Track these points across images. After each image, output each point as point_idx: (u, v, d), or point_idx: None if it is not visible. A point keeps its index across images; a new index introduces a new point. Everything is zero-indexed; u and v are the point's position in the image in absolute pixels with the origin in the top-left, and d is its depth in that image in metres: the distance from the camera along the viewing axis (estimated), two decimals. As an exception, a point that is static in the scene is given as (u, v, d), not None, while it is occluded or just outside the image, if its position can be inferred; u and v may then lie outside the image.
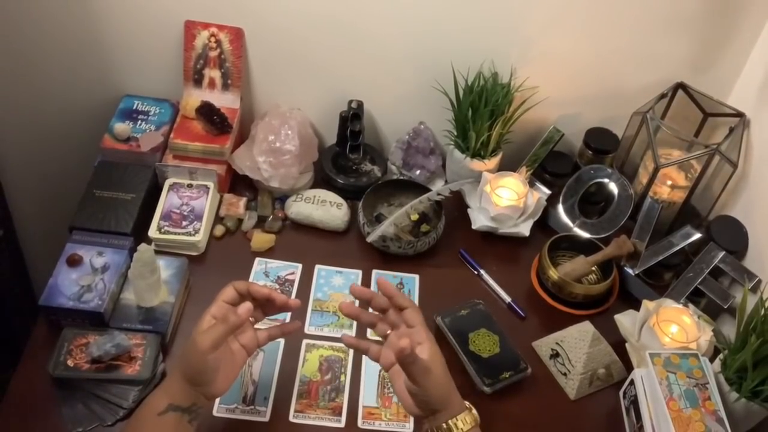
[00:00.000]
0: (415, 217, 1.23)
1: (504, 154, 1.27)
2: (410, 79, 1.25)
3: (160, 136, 1.21)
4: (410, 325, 0.87)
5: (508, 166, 1.27)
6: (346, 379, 1.01)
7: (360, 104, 1.25)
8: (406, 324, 0.88)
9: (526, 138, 1.31)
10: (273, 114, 1.22)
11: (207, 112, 1.19)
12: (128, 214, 1.10)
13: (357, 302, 0.94)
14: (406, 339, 0.78)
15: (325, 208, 1.20)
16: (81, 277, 1.00)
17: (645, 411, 0.94)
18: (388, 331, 0.91)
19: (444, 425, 0.82)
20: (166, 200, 1.15)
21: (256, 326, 0.90)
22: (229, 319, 0.81)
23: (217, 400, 0.96)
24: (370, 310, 0.93)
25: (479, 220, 1.22)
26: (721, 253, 1.14)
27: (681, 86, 1.23)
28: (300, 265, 1.15)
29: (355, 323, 1.08)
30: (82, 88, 1.28)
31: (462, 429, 0.82)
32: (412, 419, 0.98)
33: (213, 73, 1.23)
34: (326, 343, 1.05)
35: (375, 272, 1.16)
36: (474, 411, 0.87)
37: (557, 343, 1.06)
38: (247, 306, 0.83)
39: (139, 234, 1.10)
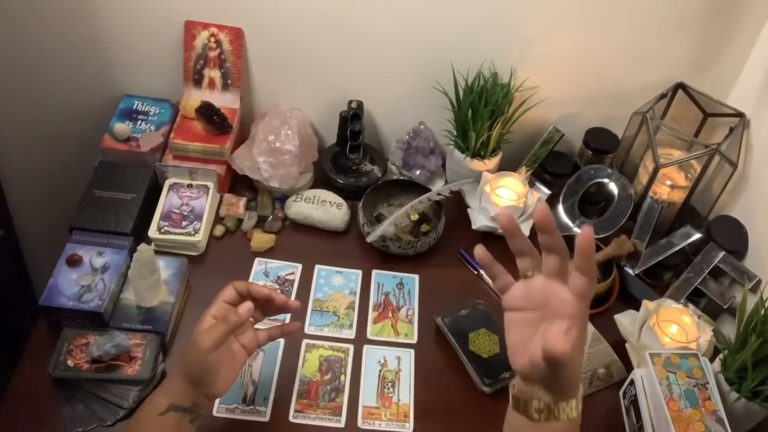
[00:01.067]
0: (415, 217, 1.23)
1: (504, 154, 1.27)
2: (410, 79, 1.25)
3: (160, 136, 1.21)
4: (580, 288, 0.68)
5: (508, 166, 1.27)
6: (346, 379, 1.01)
7: (360, 104, 1.25)
8: (575, 285, 0.69)
9: (526, 138, 1.31)
10: (273, 114, 1.22)
11: (207, 112, 1.19)
12: (128, 214, 1.10)
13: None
14: (562, 342, 0.63)
15: (325, 208, 1.20)
16: (81, 277, 1.00)
17: (645, 411, 0.94)
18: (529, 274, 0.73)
19: (555, 408, 0.69)
20: (166, 200, 1.15)
21: (255, 326, 0.90)
22: (230, 319, 0.81)
23: (217, 400, 0.95)
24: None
25: (479, 220, 1.22)
26: (721, 253, 1.14)
27: (681, 86, 1.23)
28: (300, 265, 1.15)
29: (355, 323, 1.08)
30: (83, 88, 1.28)
31: (573, 416, 0.69)
32: (412, 419, 0.98)
33: (213, 73, 1.23)
34: (326, 343, 1.05)
35: (375, 272, 1.16)
36: (583, 389, 0.72)
37: (557, 343, 1.06)
38: (247, 305, 0.83)
39: (139, 234, 1.10)
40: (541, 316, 0.70)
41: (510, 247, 0.72)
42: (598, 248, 1.18)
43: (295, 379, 1.00)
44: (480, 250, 0.74)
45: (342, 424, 0.96)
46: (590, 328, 1.06)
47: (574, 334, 0.66)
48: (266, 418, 0.95)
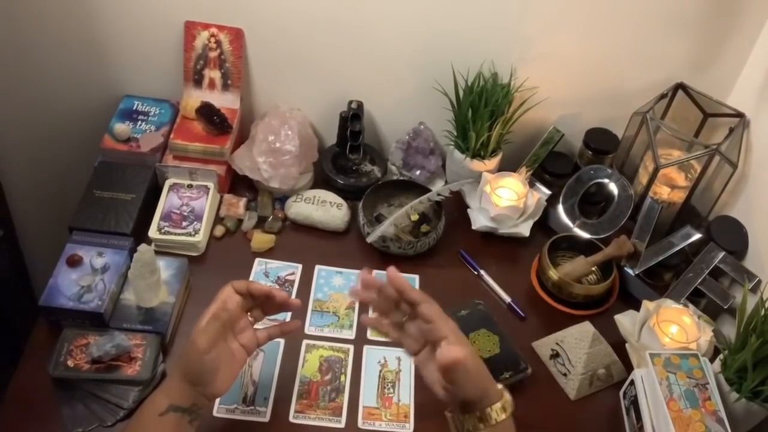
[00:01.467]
0: (415, 217, 1.23)
1: (504, 154, 1.27)
2: (410, 79, 1.25)
3: (160, 137, 1.21)
4: (428, 321, 0.82)
5: (508, 166, 1.27)
6: (346, 380, 1.01)
7: (360, 104, 1.25)
8: (423, 320, 0.83)
9: (526, 138, 1.31)
10: (273, 114, 1.22)
11: (207, 112, 1.19)
12: (128, 214, 1.10)
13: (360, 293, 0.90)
14: (454, 349, 0.77)
15: (325, 208, 1.20)
16: (81, 277, 1.00)
17: (645, 411, 0.94)
18: (404, 319, 0.87)
19: (478, 414, 0.79)
20: (166, 201, 1.15)
21: (255, 326, 0.90)
22: (220, 316, 0.82)
23: (217, 401, 0.96)
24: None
25: (479, 221, 1.22)
26: (721, 254, 1.14)
27: (681, 86, 1.23)
28: (300, 266, 1.15)
29: (355, 323, 1.08)
30: (83, 89, 1.28)
31: (496, 420, 0.79)
32: (412, 419, 0.98)
33: (213, 74, 1.23)
34: (326, 344, 1.05)
35: (375, 272, 1.16)
36: (508, 397, 0.82)
37: (557, 344, 1.06)
38: (235, 298, 0.85)
39: (139, 234, 1.10)
40: (430, 349, 0.84)
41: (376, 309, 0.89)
42: (599, 249, 1.18)
43: (296, 380, 1.00)
44: (361, 284, 0.89)
45: (342, 425, 0.96)
46: (591, 328, 1.06)
47: (453, 343, 0.80)
48: (266, 419, 0.95)
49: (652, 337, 1.02)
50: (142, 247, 0.96)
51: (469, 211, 1.25)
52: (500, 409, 0.79)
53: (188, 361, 0.81)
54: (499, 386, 0.82)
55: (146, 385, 0.94)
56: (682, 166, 1.24)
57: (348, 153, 1.28)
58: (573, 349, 1.04)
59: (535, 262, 1.20)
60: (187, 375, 0.81)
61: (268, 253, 1.16)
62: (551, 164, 1.28)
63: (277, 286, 1.11)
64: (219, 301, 0.85)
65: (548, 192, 1.27)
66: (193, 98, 1.23)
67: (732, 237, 1.16)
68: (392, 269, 0.86)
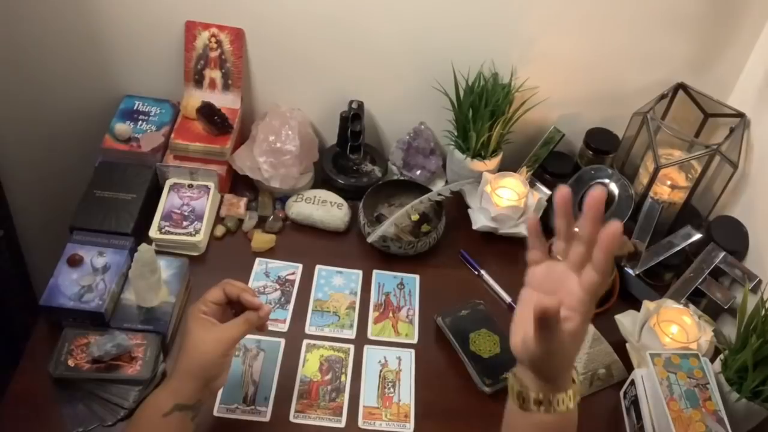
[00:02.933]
0: (415, 217, 1.23)
1: (504, 154, 1.27)
2: (410, 79, 1.25)
3: (160, 137, 1.21)
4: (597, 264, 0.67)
5: (508, 166, 1.27)
6: (347, 379, 1.01)
7: (360, 104, 1.25)
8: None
9: (527, 138, 1.31)
10: (273, 114, 1.22)
11: (207, 112, 1.19)
12: (129, 214, 1.10)
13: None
14: (549, 300, 0.63)
15: (326, 208, 1.20)
16: (82, 277, 1.00)
17: (645, 411, 0.94)
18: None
19: (546, 398, 0.69)
20: (167, 200, 1.15)
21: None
22: (251, 320, 0.86)
23: (218, 401, 0.96)
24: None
25: (480, 221, 1.22)
26: (722, 254, 1.14)
27: (681, 86, 1.23)
28: (300, 266, 1.15)
29: (356, 323, 1.08)
30: (83, 89, 1.28)
31: (563, 409, 0.69)
32: (412, 419, 0.98)
33: (213, 74, 1.23)
34: (327, 343, 1.05)
35: (376, 272, 1.16)
36: (578, 383, 0.72)
37: (558, 344, 1.06)
38: (267, 308, 0.87)
39: (140, 234, 1.10)
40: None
41: (555, 224, 0.70)
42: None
43: (296, 379, 1.00)
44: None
45: (342, 424, 0.96)
46: (591, 328, 1.06)
47: (572, 325, 0.66)
48: (267, 418, 0.95)
49: (653, 337, 1.02)
50: (143, 247, 0.96)
51: (469, 211, 1.25)
52: (570, 397, 0.70)
53: (208, 361, 0.82)
54: (573, 374, 0.73)
55: (147, 385, 0.94)
56: (682, 166, 1.24)
57: (348, 153, 1.28)
58: (573, 349, 1.04)
59: (535, 262, 1.20)
60: (204, 370, 0.82)
61: (269, 253, 1.16)
62: (552, 164, 1.28)
63: (278, 286, 1.11)
64: (220, 288, 0.87)
65: (549, 192, 1.27)
66: (194, 98, 1.23)
67: (732, 237, 1.16)
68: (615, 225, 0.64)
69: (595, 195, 0.65)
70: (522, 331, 0.69)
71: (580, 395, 0.72)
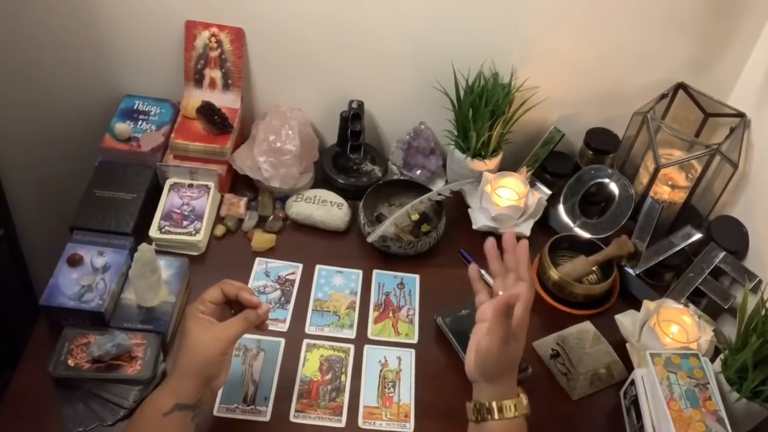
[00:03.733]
0: (415, 217, 1.23)
1: (504, 154, 1.27)
2: (411, 79, 1.25)
3: (160, 136, 1.21)
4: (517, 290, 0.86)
5: (508, 166, 1.27)
6: (347, 379, 1.01)
7: (360, 104, 1.25)
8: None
9: (527, 138, 1.31)
10: (273, 114, 1.22)
11: (208, 112, 1.19)
12: (129, 214, 1.10)
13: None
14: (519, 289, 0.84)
15: (326, 208, 1.20)
16: (82, 276, 1.00)
17: (645, 411, 0.94)
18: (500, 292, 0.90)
19: (487, 404, 0.83)
20: (167, 200, 1.15)
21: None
22: (250, 319, 0.86)
23: (218, 400, 0.96)
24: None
25: (480, 220, 1.22)
26: (722, 253, 1.14)
27: (681, 86, 1.23)
28: (300, 265, 1.15)
29: (356, 323, 1.08)
30: (83, 88, 1.28)
31: (505, 416, 0.82)
32: (412, 419, 0.98)
33: (214, 73, 1.23)
34: (327, 343, 1.05)
35: (376, 272, 1.16)
36: (524, 401, 0.85)
37: (558, 343, 1.06)
38: (266, 307, 0.88)
39: (140, 234, 1.10)
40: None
41: (490, 269, 0.91)
42: (599, 248, 1.18)
43: (296, 379, 1.00)
44: (490, 245, 0.90)
45: (342, 424, 0.96)
46: (591, 328, 1.06)
47: (515, 315, 0.82)
48: (267, 418, 0.95)
49: (653, 336, 1.02)
50: (143, 247, 0.96)
51: (469, 210, 1.25)
52: (509, 407, 0.83)
53: (207, 360, 0.82)
54: (520, 392, 0.86)
55: (147, 385, 0.94)
56: (682, 166, 1.24)
57: (348, 152, 1.28)
58: (573, 349, 1.04)
59: (535, 262, 1.20)
60: (204, 368, 0.82)
61: (269, 253, 1.16)
62: (552, 164, 1.28)
63: (278, 286, 1.11)
64: (219, 287, 0.87)
65: (549, 192, 1.27)
66: (194, 98, 1.23)
67: (732, 237, 1.16)
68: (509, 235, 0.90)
69: (506, 237, 0.89)
70: (474, 350, 0.85)
71: (528, 411, 0.84)
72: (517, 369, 0.86)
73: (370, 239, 1.16)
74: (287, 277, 1.13)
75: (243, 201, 1.21)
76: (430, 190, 1.21)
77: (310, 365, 1.02)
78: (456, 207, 1.26)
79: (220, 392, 0.95)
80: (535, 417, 1.00)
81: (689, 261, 1.16)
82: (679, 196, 1.23)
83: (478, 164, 1.24)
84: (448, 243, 1.21)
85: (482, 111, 1.19)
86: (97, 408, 0.92)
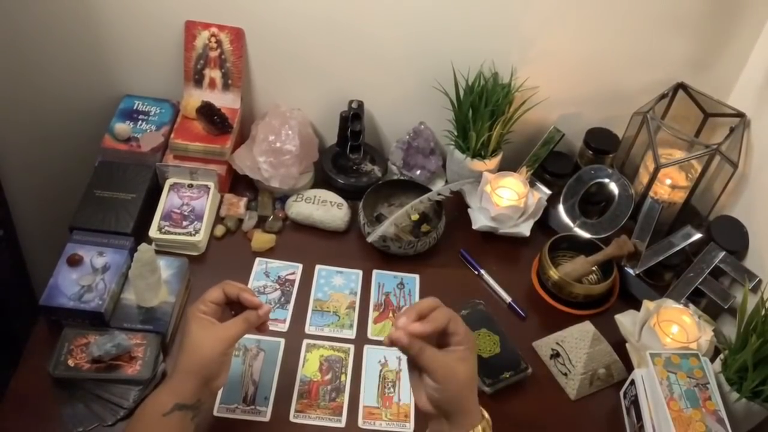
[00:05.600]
0: (415, 217, 1.23)
1: (504, 154, 1.27)
2: (410, 79, 1.25)
3: (160, 136, 1.21)
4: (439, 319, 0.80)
5: (508, 166, 1.27)
6: (347, 379, 1.01)
7: (360, 104, 1.25)
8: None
9: (527, 138, 1.31)
10: (273, 114, 1.22)
11: (207, 112, 1.19)
12: (129, 214, 1.10)
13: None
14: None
15: (326, 208, 1.20)
16: (81, 277, 1.00)
17: (645, 411, 0.94)
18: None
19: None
20: (167, 200, 1.15)
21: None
22: (251, 320, 0.86)
23: (218, 400, 0.96)
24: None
25: (480, 220, 1.22)
26: (722, 253, 1.14)
27: (681, 86, 1.23)
28: (300, 265, 1.15)
29: (356, 323, 1.08)
30: (83, 88, 1.28)
31: None
32: (412, 419, 0.98)
33: (213, 74, 1.23)
34: (326, 343, 1.05)
35: (376, 272, 1.16)
36: (487, 420, 0.81)
37: (558, 343, 1.06)
38: (267, 308, 0.87)
39: (140, 234, 1.10)
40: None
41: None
42: (599, 248, 1.18)
43: (296, 379, 1.00)
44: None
45: (342, 424, 0.96)
46: (591, 328, 1.06)
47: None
48: (267, 418, 0.95)
49: (653, 336, 1.02)
50: (143, 247, 0.96)
51: (469, 210, 1.25)
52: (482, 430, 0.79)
53: (207, 360, 0.82)
54: (483, 412, 0.81)
55: (147, 385, 0.94)
56: (682, 166, 1.24)
57: (348, 153, 1.28)
58: (573, 349, 1.04)
59: (535, 262, 1.20)
60: (204, 368, 0.82)
61: (269, 253, 1.16)
62: (552, 164, 1.28)
63: (278, 286, 1.11)
64: (219, 288, 0.87)
65: (548, 192, 1.27)
66: (194, 98, 1.23)
67: (732, 237, 1.16)
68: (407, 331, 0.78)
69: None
70: (418, 388, 0.80)
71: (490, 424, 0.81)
72: (475, 387, 0.81)
73: (369, 239, 1.16)
74: (287, 277, 1.13)
75: (243, 201, 1.21)
76: (429, 190, 1.21)
77: (310, 365, 1.02)
78: (456, 207, 1.26)
79: (220, 392, 0.95)
80: (535, 417, 1.00)
81: (689, 261, 1.16)
82: (679, 196, 1.23)
83: (477, 164, 1.24)
84: (448, 243, 1.21)
85: (482, 111, 1.19)
86: (97, 408, 0.92)
